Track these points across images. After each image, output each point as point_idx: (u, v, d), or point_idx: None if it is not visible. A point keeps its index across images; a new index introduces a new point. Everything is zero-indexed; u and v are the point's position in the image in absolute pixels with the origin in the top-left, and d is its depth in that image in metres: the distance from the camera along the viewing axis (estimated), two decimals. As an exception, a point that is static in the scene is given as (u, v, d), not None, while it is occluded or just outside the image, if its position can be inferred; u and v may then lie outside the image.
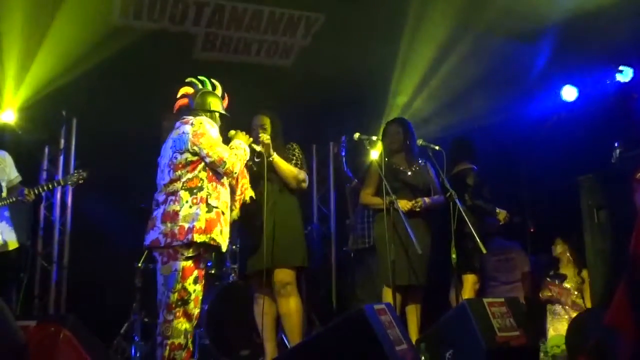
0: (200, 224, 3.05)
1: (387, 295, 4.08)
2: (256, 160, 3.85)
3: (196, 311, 3.13)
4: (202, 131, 3.19)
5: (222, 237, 3.18)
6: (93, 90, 5.45)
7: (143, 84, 5.65)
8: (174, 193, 3.12)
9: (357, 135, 4.13)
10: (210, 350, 4.66)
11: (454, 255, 4.05)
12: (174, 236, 3.05)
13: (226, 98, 3.56)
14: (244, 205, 3.66)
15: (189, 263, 3.08)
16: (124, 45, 5.34)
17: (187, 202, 3.09)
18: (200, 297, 3.17)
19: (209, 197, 3.12)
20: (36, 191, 4.33)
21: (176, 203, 3.09)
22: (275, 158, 3.87)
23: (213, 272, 5.15)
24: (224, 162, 3.16)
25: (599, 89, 6.01)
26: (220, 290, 4.86)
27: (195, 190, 3.11)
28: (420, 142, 4.34)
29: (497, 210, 4.98)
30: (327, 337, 2.89)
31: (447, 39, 5.91)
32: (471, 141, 5.10)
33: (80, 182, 4.43)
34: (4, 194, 4.31)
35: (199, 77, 3.52)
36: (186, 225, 3.04)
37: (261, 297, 3.84)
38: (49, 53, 5.15)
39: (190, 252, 3.08)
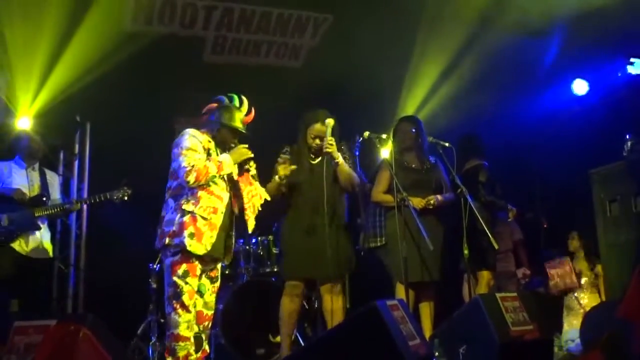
0: (173, 228, 3.30)
1: (400, 291, 4.10)
2: (312, 162, 3.95)
3: (191, 302, 3.29)
4: (177, 142, 3.41)
5: (194, 240, 3.27)
6: (106, 96, 5.53)
7: (155, 88, 5.72)
8: (166, 200, 3.43)
9: (366, 133, 4.16)
10: (226, 349, 4.70)
11: (466, 252, 4.07)
12: (159, 240, 3.38)
13: (252, 114, 3.61)
14: (298, 207, 3.88)
15: (177, 258, 3.30)
16: (135, 50, 5.41)
17: (170, 208, 3.37)
18: (195, 290, 3.33)
19: (185, 203, 3.32)
20: (83, 202, 4.79)
21: (165, 209, 3.41)
22: (341, 162, 3.90)
23: (228, 272, 5.20)
24: (179, 172, 3.30)
25: (609, 81, 5.98)
26: (235, 290, 4.91)
27: (178, 197, 3.37)
28: (430, 139, 4.36)
29: (509, 207, 4.99)
30: (340, 333, 2.92)
31: (458, 35, 5.92)
32: (480, 137, 5.11)
33: (124, 198, 4.58)
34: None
35: (230, 94, 3.61)
36: (165, 229, 3.33)
37: (298, 296, 3.95)
38: (63, 60, 5.24)
39: (173, 249, 3.32)
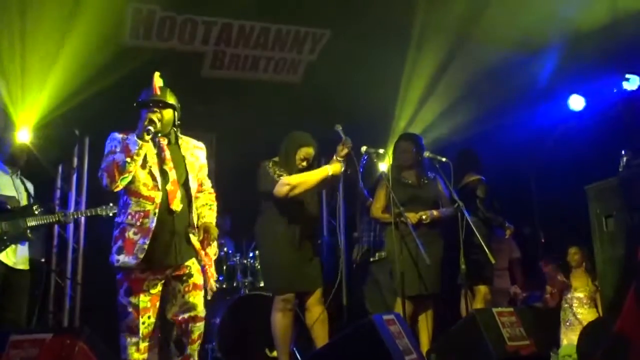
0: (112, 245, 3.19)
1: (399, 306, 4.12)
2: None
3: (139, 322, 3.11)
4: None
5: (122, 254, 3.09)
6: (105, 110, 5.54)
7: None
8: None
9: (364, 148, 4.17)
10: (223, 364, 4.69)
11: (463, 266, 4.07)
12: None
13: (155, 78, 3.33)
14: (289, 222, 3.81)
15: (118, 276, 3.19)
16: (134, 65, 5.44)
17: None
18: (143, 307, 3.14)
19: (117, 216, 3.23)
20: (76, 215, 4.74)
21: None
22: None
23: (225, 286, 5.19)
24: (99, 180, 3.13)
25: (606, 97, 6.02)
26: (231, 305, 4.90)
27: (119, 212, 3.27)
28: (427, 154, 4.39)
29: (506, 224, 5.00)
30: (336, 347, 2.92)
31: (454, 51, 5.96)
32: (476, 152, 5.14)
33: (110, 214, 4.53)
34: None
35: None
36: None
37: (291, 311, 3.91)
38: (62, 74, 5.27)
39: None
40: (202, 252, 3.26)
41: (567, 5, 5.41)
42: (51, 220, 4.49)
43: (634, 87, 5.79)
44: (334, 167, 3.78)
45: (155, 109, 3.18)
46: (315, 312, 3.90)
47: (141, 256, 3.04)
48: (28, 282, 4.39)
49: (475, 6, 5.49)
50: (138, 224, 3.10)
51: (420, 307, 4.25)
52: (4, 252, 4.22)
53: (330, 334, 5.06)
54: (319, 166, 3.94)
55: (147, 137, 3.09)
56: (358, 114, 6.11)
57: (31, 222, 4.34)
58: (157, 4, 5.42)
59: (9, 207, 4.31)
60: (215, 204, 3.45)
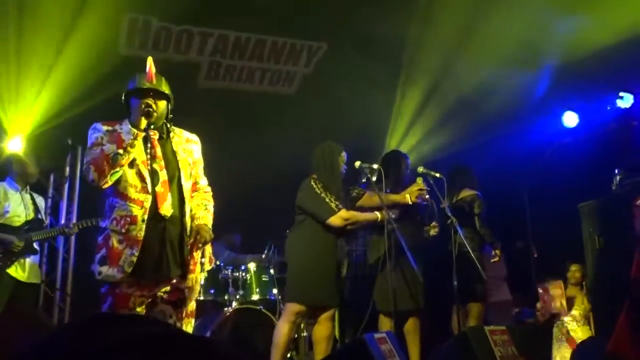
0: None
1: (382, 322, 4.13)
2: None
3: None
4: None
5: (106, 266, 2.71)
6: (98, 119, 5.51)
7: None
8: None
9: (357, 163, 4.17)
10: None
11: (455, 282, 4.06)
12: None
13: (149, 67, 2.97)
14: (319, 240, 3.91)
15: (102, 289, 2.82)
16: (129, 74, 5.41)
17: None
18: None
19: (102, 219, 2.84)
20: (80, 226, 4.71)
21: None
22: None
23: (219, 299, 5.16)
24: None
25: (599, 115, 6.04)
26: (222, 318, 4.86)
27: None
28: (420, 169, 4.38)
29: (497, 246, 4.92)
30: (327, 366, 2.89)
31: (448, 66, 5.99)
32: (471, 168, 5.13)
33: None
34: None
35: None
36: None
37: (297, 324, 3.99)
38: (55, 83, 5.25)
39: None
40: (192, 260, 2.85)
41: (562, 22, 5.45)
42: (55, 233, 4.63)
43: (628, 105, 5.81)
44: (382, 214, 4.01)
45: (150, 98, 2.84)
46: (326, 328, 3.95)
47: (129, 270, 2.66)
48: (35, 296, 4.49)
49: (470, 21, 5.52)
50: (123, 230, 2.70)
51: (406, 321, 4.25)
52: (12, 267, 4.31)
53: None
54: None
55: (144, 124, 2.78)
56: (352, 127, 6.12)
57: (36, 236, 4.45)
58: (153, 14, 5.42)
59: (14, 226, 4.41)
60: (211, 203, 3.06)
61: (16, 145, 5.23)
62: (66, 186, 5.98)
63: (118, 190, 2.78)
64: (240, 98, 6.27)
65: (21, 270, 4.37)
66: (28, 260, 4.42)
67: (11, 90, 5.23)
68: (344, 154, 4.12)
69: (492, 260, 4.92)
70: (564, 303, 5.13)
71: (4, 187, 4.55)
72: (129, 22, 5.43)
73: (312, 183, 4.01)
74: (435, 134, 6.32)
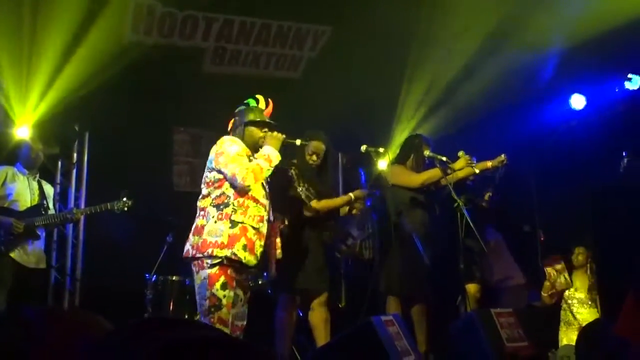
0: (222, 239, 3.16)
1: (390, 304, 4.15)
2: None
3: (229, 316, 3.14)
4: (221, 150, 3.30)
5: (247, 252, 3.20)
6: (105, 105, 5.54)
7: (154, 98, 5.73)
8: (204, 208, 3.28)
9: (364, 147, 4.17)
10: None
11: (462, 266, 4.07)
12: (198, 249, 3.19)
13: (270, 105, 3.60)
14: (315, 223, 3.97)
15: (215, 270, 3.15)
16: (134, 60, 5.43)
17: (213, 217, 3.22)
18: (232, 302, 3.18)
19: (233, 213, 3.21)
20: (87, 212, 4.69)
21: (204, 218, 3.25)
22: None
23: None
24: (235, 178, 3.20)
25: (607, 97, 6.00)
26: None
27: (221, 207, 3.23)
28: (427, 152, 4.37)
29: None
30: (335, 348, 2.91)
31: (455, 48, 5.94)
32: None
33: (125, 209, 4.54)
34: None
35: (246, 101, 3.61)
36: (209, 239, 3.17)
37: (294, 310, 4.03)
38: (62, 70, 5.26)
39: (214, 260, 3.18)
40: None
41: (570, 5, 5.39)
42: (58, 220, 4.59)
43: (636, 87, 5.77)
44: (355, 192, 4.06)
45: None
46: (320, 313, 3.98)
47: (260, 259, 3.27)
48: (42, 281, 4.53)
49: (478, 4, 5.46)
50: (257, 227, 3.27)
51: (414, 304, 4.27)
52: (15, 252, 4.31)
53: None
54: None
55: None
56: (358, 112, 6.10)
57: (39, 222, 4.45)
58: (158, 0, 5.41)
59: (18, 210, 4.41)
60: None
61: (24, 132, 5.25)
62: (74, 172, 6.01)
63: (252, 195, 3.30)
64: (246, 83, 6.25)
65: (25, 256, 4.38)
66: (32, 246, 4.43)
67: (22, 77, 5.25)
68: (317, 143, 4.08)
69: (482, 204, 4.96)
70: (568, 277, 5.17)
71: (13, 170, 4.56)
72: (134, 8, 5.41)
73: (292, 171, 3.94)
74: (442, 117, 6.29)
